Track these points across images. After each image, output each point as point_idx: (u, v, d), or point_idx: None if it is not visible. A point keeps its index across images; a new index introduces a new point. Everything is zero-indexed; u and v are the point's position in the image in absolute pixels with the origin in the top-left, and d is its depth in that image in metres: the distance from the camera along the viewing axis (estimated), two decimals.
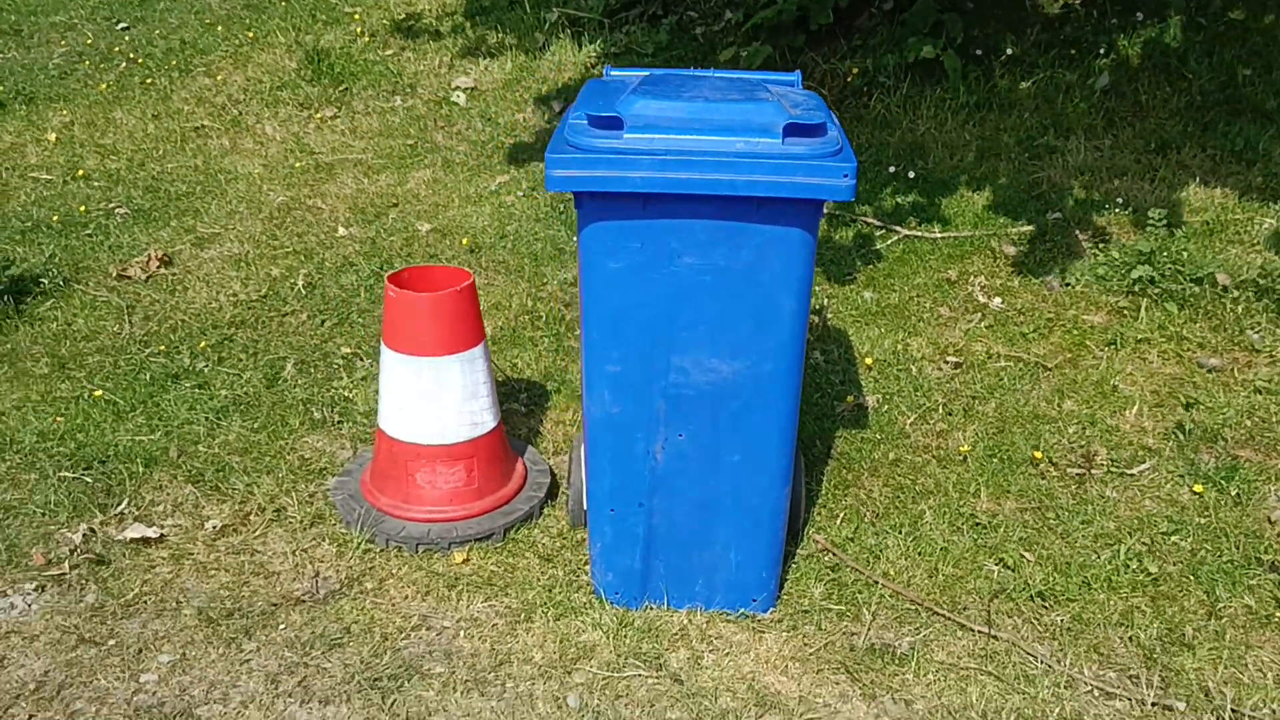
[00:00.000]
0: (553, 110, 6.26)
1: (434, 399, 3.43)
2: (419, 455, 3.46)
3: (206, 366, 4.39)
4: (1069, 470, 3.73)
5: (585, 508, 3.21)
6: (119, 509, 3.58)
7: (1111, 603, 3.19)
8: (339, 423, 4.08)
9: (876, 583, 3.27)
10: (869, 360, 4.33)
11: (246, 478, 3.75)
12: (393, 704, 2.84)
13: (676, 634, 3.09)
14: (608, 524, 3.14)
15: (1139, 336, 4.30)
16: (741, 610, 3.20)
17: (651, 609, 3.19)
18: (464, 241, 5.14)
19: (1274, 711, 2.85)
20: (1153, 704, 2.84)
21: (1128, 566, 3.32)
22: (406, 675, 2.94)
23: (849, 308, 4.69)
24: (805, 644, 3.05)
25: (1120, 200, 5.13)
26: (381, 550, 3.41)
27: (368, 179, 5.79)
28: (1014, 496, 3.63)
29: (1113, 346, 4.29)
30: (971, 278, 4.81)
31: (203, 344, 4.52)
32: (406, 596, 3.24)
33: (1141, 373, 4.16)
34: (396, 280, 3.43)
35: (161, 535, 3.48)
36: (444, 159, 5.92)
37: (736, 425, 2.99)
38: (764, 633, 3.10)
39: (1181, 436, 3.83)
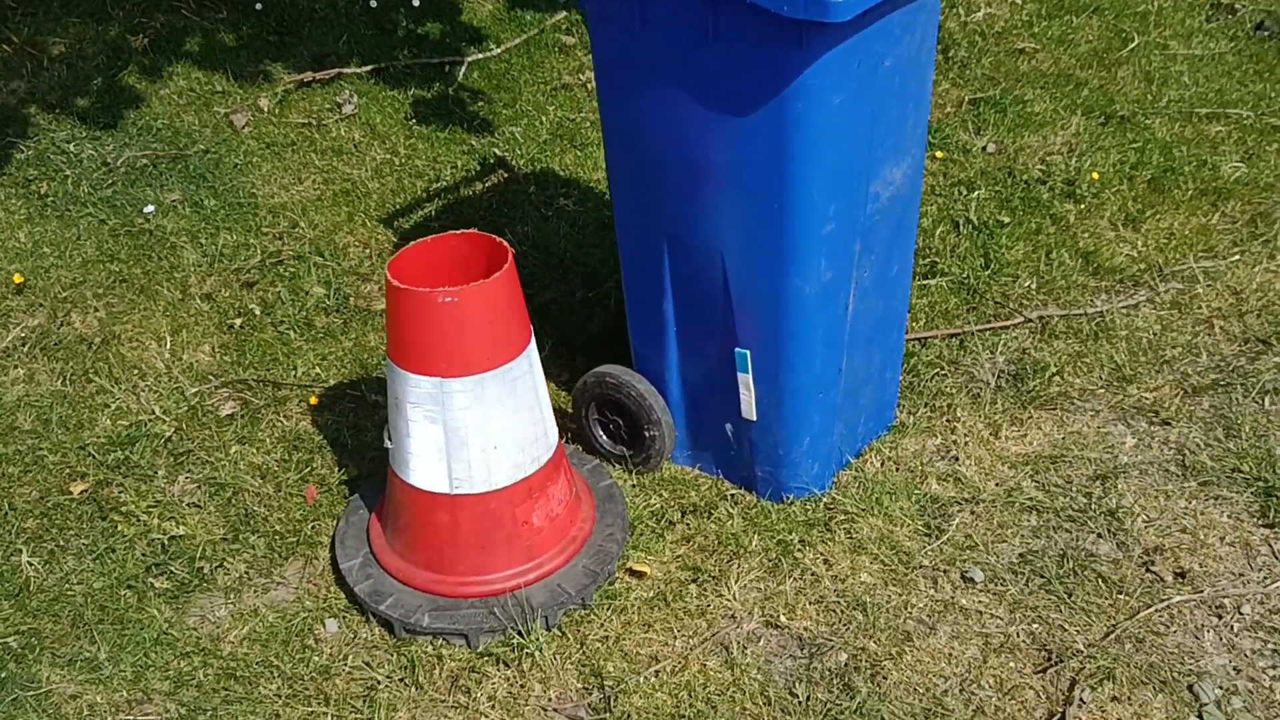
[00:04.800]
0: None
1: (531, 408, 2.44)
2: (530, 491, 2.47)
3: None
4: None
5: (657, 433, 2.62)
6: None
7: (1023, 255, 3.63)
8: (210, 573, 2.61)
9: (918, 340, 3.28)
10: None
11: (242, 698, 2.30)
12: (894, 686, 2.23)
13: (903, 478, 2.82)
14: (816, 411, 2.67)
15: None
16: (890, 426, 3.01)
17: (845, 475, 2.84)
18: (15, 279, 3.28)
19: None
20: (1155, 302, 3.43)
21: (989, 224, 3.77)
22: (839, 677, 2.29)
23: None
24: (982, 416, 2.99)
25: None
26: (567, 629, 2.44)
27: None
28: None
29: None
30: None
31: None
32: (669, 640, 2.42)
33: None
34: (400, 274, 2.27)
35: None
36: None
37: (896, 235, 2.70)
38: (943, 431, 2.96)
39: None
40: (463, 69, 4.45)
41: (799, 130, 2.27)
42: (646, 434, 2.82)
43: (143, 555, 2.63)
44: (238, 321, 3.27)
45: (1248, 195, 3.89)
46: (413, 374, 2.33)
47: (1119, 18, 5.06)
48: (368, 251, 3.57)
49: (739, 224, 2.46)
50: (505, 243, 2.38)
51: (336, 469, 2.87)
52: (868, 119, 2.39)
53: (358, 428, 2.98)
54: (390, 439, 2.47)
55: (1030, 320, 3.35)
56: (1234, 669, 2.28)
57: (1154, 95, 4.49)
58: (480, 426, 2.36)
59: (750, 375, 2.64)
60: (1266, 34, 4.96)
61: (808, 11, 2.08)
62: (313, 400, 3.03)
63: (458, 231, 2.44)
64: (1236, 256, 3.59)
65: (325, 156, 3.96)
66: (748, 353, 2.61)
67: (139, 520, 2.69)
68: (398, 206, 3.76)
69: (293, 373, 3.13)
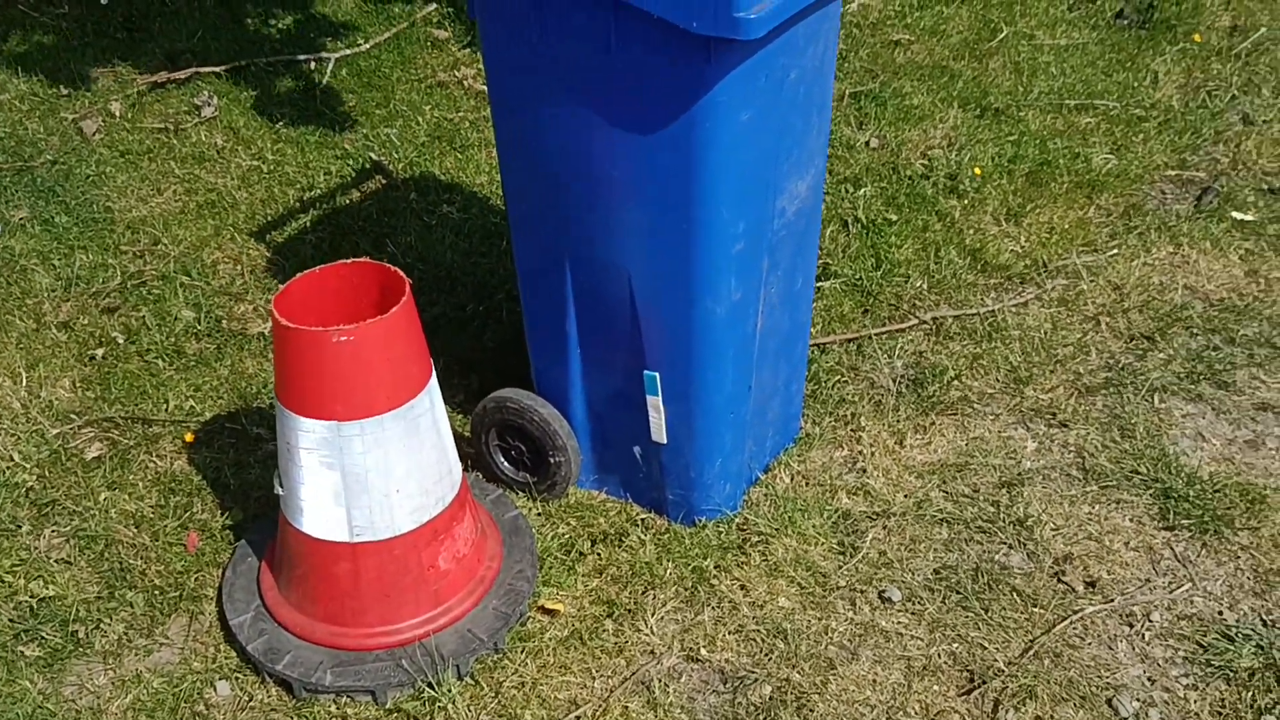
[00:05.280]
0: None
1: (434, 446, 2.30)
2: (435, 533, 2.34)
3: None
4: None
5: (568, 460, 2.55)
6: None
7: (912, 254, 3.63)
8: (86, 636, 2.40)
9: (817, 347, 3.24)
10: None
11: None
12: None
13: (813, 494, 2.77)
14: (728, 431, 2.60)
15: None
16: (795, 438, 2.97)
17: (755, 492, 2.78)
18: None
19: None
20: (1043, 300, 3.48)
21: (877, 222, 3.76)
22: (765, 712, 2.24)
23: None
24: (885, 425, 2.96)
25: None
26: (480, 677, 2.32)
27: None
28: None
29: None
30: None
31: None
32: (588, 682, 2.33)
33: None
34: (288, 311, 2.10)
35: None
36: None
37: (801, 247, 2.65)
38: (849, 442, 2.93)
39: None
40: (330, 66, 4.23)
41: (707, 148, 2.19)
42: (551, 460, 2.71)
43: (10, 621, 2.41)
44: (100, 352, 3.03)
45: (1119, 187, 3.98)
46: (305, 418, 2.17)
47: (986, 7, 5.13)
48: (239, 268, 3.36)
49: (645, 243, 2.36)
50: (401, 272, 2.23)
51: (219, 512, 2.68)
52: (774, 133, 2.32)
53: (240, 465, 2.79)
54: (281, 485, 2.31)
55: (925, 322, 3.35)
56: (1149, 679, 2.31)
57: (1025, 87, 4.56)
58: (381, 470, 2.22)
59: (660, 397, 2.56)
60: (1126, 23, 5.09)
61: (717, 28, 1.99)
62: (188, 437, 2.82)
63: (348, 261, 2.28)
64: (1115, 250, 3.66)
65: (186, 164, 3.71)
66: (657, 375, 2.53)
67: (3, 582, 2.46)
68: (269, 218, 3.55)
69: (164, 407, 2.91)
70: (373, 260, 2.28)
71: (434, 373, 2.33)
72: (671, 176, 2.24)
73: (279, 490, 2.32)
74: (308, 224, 3.55)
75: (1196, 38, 4.91)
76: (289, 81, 4.13)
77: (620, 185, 2.32)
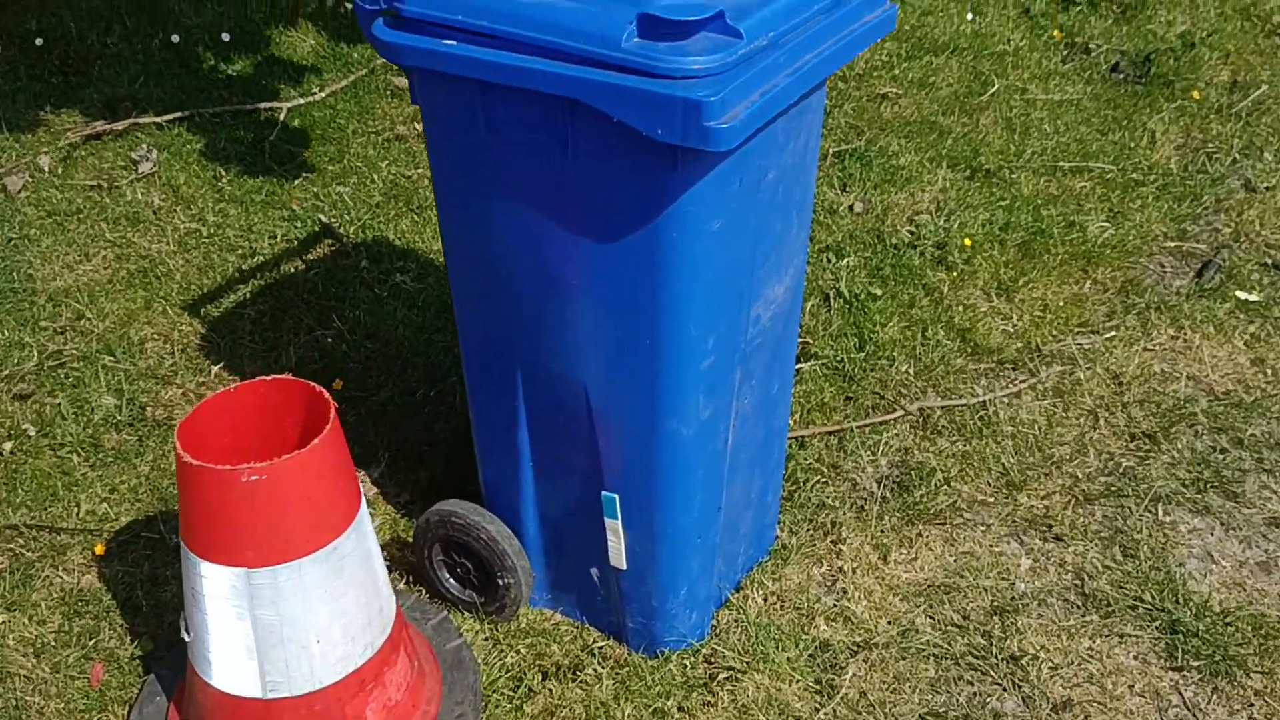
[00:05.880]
0: None
1: (362, 586, 2.04)
2: (363, 683, 2.08)
3: None
4: None
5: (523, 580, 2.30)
6: None
7: (898, 334, 3.40)
8: None
9: (795, 440, 3.00)
10: None
11: None
12: None
13: (788, 620, 2.52)
14: (695, 556, 2.35)
15: None
16: (770, 549, 2.72)
17: (724, 615, 2.53)
18: None
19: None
20: (1037, 390, 3.25)
21: (861, 297, 3.53)
22: None
23: None
24: (868, 535, 2.71)
25: None
26: None
27: None
28: None
29: None
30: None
31: None
32: None
33: None
34: (194, 439, 1.84)
35: None
36: None
37: (776, 352, 2.40)
38: (828, 556, 2.69)
39: None
40: (282, 115, 3.97)
41: (672, 261, 1.94)
42: (500, 582, 2.45)
43: None
44: (7, 446, 2.75)
45: (1116, 260, 3.76)
46: (212, 564, 1.91)
47: (977, 58, 4.92)
48: (169, 346, 3.08)
49: (603, 357, 2.11)
50: (325, 393, 1.98)
51: (128, 639, 2.40)
52: (749, 239, 2.07)
53: (155, 580, 2.52)
54: (188, 631, 2.04)
55: (911, 413, 3.11)
56: None
57: (1017, 146, 4.34)
58: (299, 620, 1.95)
59: (619, 521, 2.30)
60: (1122, 77, 4.89)
61: (686, 137, 1.74)
62: (99, 548, 2.55)
63: (268, 378, 2.03)
64: (1113, 332, 3.43)
65: (118, 226, 3.44)
66: (616, 497, 2.27)
67: None
68: (205, 289, 3.27)
69: (74, 511, 2.64)
70: (295, 378, 2.02)
71: (364, 502, 2.07)
72: (633, 288, 1.99)
73: (185, 636, 2.05)
74: (247, 295, 3.28)
75: (1195, 95, 4.72)
76: (235, 133, 3.86)
77: (576, 293, 2.07)
